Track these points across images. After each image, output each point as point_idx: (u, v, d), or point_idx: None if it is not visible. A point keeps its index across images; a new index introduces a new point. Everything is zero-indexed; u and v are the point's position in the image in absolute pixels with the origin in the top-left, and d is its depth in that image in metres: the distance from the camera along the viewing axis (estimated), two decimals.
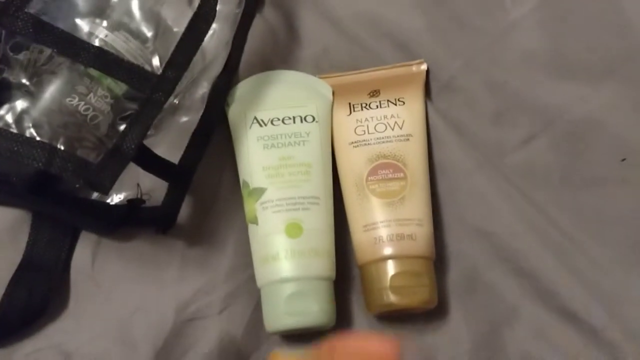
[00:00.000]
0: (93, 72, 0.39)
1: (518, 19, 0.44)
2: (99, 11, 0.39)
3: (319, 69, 0.44)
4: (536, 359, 0.39)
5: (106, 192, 0.32)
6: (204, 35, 0.36)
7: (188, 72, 0.37)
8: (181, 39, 0.36)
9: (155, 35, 0.39)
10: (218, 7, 0.42)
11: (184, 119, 0.42)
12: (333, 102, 0.43)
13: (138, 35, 0.38)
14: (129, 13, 0.38)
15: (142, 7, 0.39)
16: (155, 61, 0.39)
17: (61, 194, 0.40)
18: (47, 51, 0.39)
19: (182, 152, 0.39)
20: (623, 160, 0.41)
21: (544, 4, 0.44)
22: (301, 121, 0.41)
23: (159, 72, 0.35)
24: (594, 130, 0.42)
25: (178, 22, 0.39)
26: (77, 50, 0.35)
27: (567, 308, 0.39)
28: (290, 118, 0.41)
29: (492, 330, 0.40)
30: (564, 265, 0.40)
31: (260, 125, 0.41)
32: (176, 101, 0.42)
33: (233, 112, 0.42)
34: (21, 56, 0.38)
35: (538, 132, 0.42)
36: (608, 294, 0.39)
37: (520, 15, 0.44)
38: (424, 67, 0.43)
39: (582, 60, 0.43)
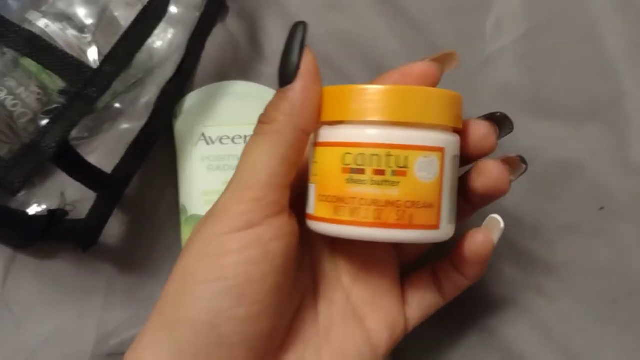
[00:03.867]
0: (29, 66, 0.35)
1: (497, 51, 0.41)
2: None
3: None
4: None
5: (15, 192, 0.27)
6: (151, 31, 0.32)
7: (131, 70, 0.33)
8: (125, 33, 0.32)
9: (97, 25, 0.35)
10: (176, 10, 0.39)
11: (126, 125, 0.37)
12: None
13: (76, 24, 0.34)
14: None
15: None
16: (94, 54, 0.35)
17: None
18: None
19: (116, 162, 0.35)
20: (601, 208, 0.38)
21: (526, 38, 0.41)
22: None
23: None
24: (572, 175, 0.39)
25: (127, 17, 0.36)
26: (5, 32, 0.31)
27: None
28: (241, 137, 0.37)
29: None
30: (530, 320, 0.36)
31: (207, 143, 0.37)
32: (119, 105, 0.38)
33: (180, 125, 0.38)
34: None
35: None
36: (579, 354, 0.35)
37: (499, 47, 0.41)
38: None
39: (562, 100, 0.40)
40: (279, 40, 0.42)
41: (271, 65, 0.41)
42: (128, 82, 0.36)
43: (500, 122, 0.30)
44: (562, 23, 0.41)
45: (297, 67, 0.26)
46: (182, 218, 0.36)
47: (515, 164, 0.30)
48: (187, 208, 0.36)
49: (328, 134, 0.27)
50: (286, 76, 0.26)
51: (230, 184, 0.27)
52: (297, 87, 0.26)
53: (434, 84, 0.28)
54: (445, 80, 0.34)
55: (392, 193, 0.25)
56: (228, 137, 0.37)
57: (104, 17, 0.35)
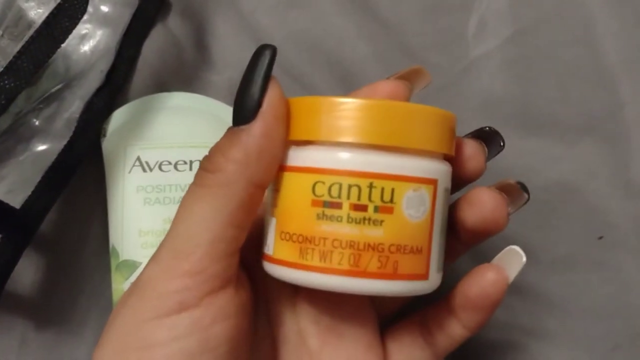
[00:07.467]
0: None
1: (480, 56, 0.36)
2: None
3: (234, 99, 0.35)
4: None
5: None
6: (66, 36, 0.26)
7: (43, 81, 0.27)
8: (32, 37, 0.26)
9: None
10: (105, 9, 0.33)
11: (42, 147, 0.31)
12: None
13: None
14: None
15: None
16: None
17: None
18: None
19: (29, 192, 0.29)
20: (600, 238, 0.34)
21: (513, 42, 0.36)
22: None
23: None
24: (566, 200, 0.34)
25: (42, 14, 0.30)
26: None
27: None
28: (185, 163, 0.31)
29: None
30: None
31: (144, 170, 0.31)
32: (36, 122, 0.31)
33: (110, 146, 0.32)
34: None
35: None
36: None
37: (483, 52, 0.36)
38: None
39: (555, 113, 0.35)
40: (229, 44, 0.37)
41: (221, 74, 0.35)
42: (38, 96, 0.30)
43: (490, 139, 0.26)
44: (554, 24, 0.37)
45: (258, 103, 0.21)
46: (113, 263, 0.30)
47: (514, 192, 0.25)
48: (119, 251, 0.30)
49: (295, 156, 0.22)
50: (242, 113, 0.21)
51: (160, 248, 0.21)
52: (255, 129, 0.21)
53: None
54: (421, 91, 0.29)
55: (375, 234, 0.20)
56: (169, 163, 0.31)
57: (9, 12, 0.29)
